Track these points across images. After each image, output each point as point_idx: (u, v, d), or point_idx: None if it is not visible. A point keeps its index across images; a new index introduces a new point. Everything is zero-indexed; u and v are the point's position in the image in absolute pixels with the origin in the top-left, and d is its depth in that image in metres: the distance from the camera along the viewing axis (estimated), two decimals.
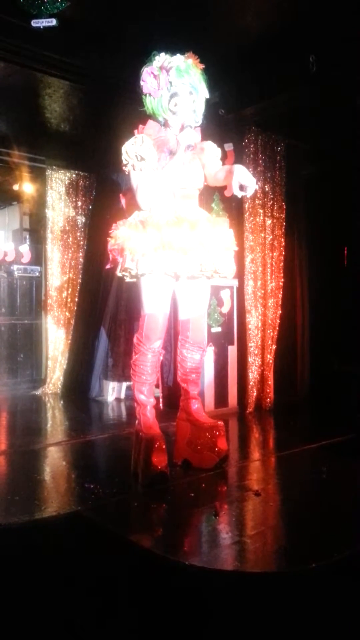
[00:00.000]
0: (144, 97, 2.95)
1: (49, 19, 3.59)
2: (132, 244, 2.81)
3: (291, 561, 2.01)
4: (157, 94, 2.89)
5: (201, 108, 3.01)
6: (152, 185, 2.85)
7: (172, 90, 2.87)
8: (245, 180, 2.74)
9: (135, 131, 2.96)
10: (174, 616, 1.82)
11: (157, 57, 2.89)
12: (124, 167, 2.92)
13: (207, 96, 3.00)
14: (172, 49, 2.92)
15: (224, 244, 2.95)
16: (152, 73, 2.86)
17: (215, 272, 2.95)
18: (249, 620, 1.75)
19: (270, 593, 1.85)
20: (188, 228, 2.84)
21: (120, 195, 3.15)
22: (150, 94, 2.90)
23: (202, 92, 2.96)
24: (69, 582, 2.04)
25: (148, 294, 2.92)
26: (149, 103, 2.93)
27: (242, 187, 2.77)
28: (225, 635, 1.74)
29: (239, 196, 2.83)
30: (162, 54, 2.89)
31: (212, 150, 3.09)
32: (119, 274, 2.92)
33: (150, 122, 2.99)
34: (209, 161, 3.05)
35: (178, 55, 2.89)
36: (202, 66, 2.93)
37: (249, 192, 2.80)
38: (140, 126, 2.97)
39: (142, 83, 2.90)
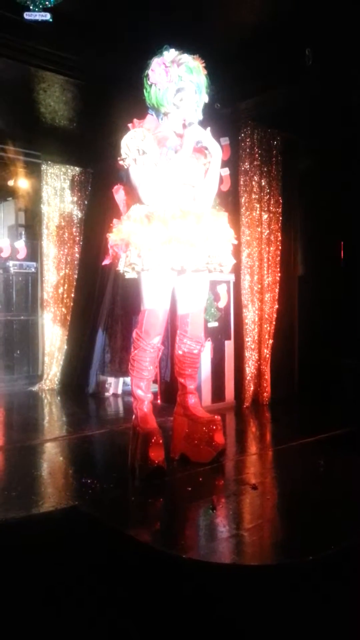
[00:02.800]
0: (148, 86, 2.92)
1: (44, 14, 3.57)
2: (137, 239, 2.79)
3: (288, 554, 2.01)
4: (163, 86, 2.87)
5: (200, 108, 3.02)
6: (155, 179, 2.84)
7: (179, 84, 2.87)
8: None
9: (130, 125, 2.94)
10: (172, 609, 1.83)
11: (168, 51, 2.89)
12: (121, 161, 2.91)
13: (207, 101, 3.02)
14: (168, 43, 2.91)
15: (227, 237, 2.98)
16: (164, 64, 2.86)
17: (220, 265, 2.96)
18: (247, 613, 1.76)
19: (267, 586, 1.86)
20: (194, 221, 2.85)
21: (114, 189, 3.13)
22: (156, 84, 2.88)
23: (204, 96, 2.99)
24: (67, 577, 2.04)
25: (149, 290, 2.91)
26: (154, 93, 2.91)
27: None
28: (223, 628, 1.75)
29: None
30: (173, 50, 2.89)
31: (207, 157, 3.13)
32: (121, 269, 2.89)
33: (148, 117, 2.98)
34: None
35: (186, 54, 2.90)
36: (205, 72, 2.96)
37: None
38: (135, 120, 2.95)
39: (150, 72, 2.88)
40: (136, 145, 2.83)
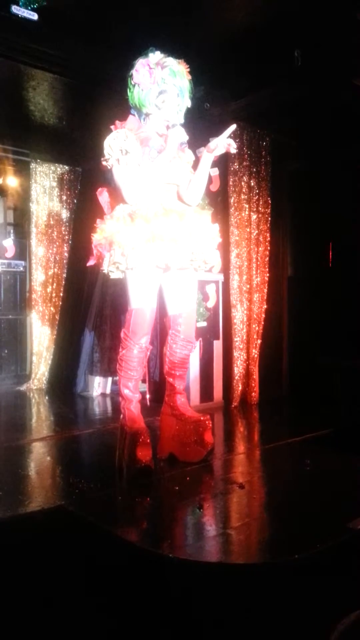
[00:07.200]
0: (131, 86, 2.94)
1: (31, 13, 3.58)
2: (121, 238, 2.80)
3: (275, 552, 2.02)
4: (146, 87, 2.90)
5: (182, 112, 3.05)
6: (138, 179, 2.85)
7: (162, 87, 2.90)
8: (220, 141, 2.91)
9: (112, 126, 2.95)
10: (159, 608, 1.82)
11: (153, 53, 2.91)
12: (104, 161, 2.91)
13: (189, 105, 3.05)
14: (158, 42, 2.92)
15: (210, 234, 3.00)
16: (148, 65, 2.88)
17: (204, 263, 2.98)
18: (233, 612, 1.76)
19: (254, 584, 1.86)
20: (177, 219, 2.87)
21: (97, 192, 3.12)
22: (139, 85, 2.90)
23: (186, 100, 3.01)
24: (53, 576, 2.03)
25: (135, 289, 2.91)
26: (136, 93, 2.94)
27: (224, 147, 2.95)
28: (209, 626, 1.75)
29: (231, 150, 3.00)
30: (158, 52, 2.91)
31: (189, 155, 3.13)
32: (106, 269, 2.89)
33: (130, 118, 3.00)
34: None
35: (171, 58, 2.91)
36: (189, 77, 2.98)
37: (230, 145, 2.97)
38: (117, 121, 2.96)
39: (134, 72, 2.90)
40: (119, 145, 2.84)
